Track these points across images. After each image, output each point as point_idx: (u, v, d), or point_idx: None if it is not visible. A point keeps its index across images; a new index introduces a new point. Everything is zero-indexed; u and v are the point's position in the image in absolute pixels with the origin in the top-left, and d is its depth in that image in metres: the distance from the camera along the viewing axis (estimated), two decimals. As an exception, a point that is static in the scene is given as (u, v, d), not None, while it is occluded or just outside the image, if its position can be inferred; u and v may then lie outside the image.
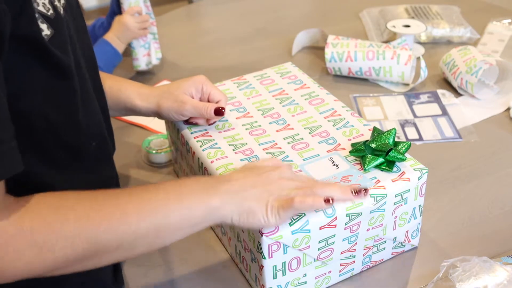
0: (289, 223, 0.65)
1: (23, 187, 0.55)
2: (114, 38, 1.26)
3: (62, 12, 0.60)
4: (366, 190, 0.64)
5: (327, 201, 0.62)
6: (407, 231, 0.77)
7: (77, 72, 0.62)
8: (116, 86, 0.84)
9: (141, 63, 1.31)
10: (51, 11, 0.57)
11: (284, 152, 0.77)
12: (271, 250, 0.66)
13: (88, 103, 0.66)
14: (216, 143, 0.80)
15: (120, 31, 1.26)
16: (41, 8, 0.55)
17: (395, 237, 0.76)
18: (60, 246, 0.53)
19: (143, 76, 1.34)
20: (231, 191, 0.62)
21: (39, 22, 0.54)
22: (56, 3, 0.59)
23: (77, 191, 0.58)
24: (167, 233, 0.60)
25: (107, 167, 0.74)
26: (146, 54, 1.31)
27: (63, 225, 0.54)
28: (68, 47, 0.60)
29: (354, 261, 0.75)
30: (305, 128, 0.82)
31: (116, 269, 0.78)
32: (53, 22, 0.57)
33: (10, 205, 0.53)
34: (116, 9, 1.35)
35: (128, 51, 1.33)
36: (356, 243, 0.72)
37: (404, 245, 0.79)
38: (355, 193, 0.63)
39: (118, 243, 0.56)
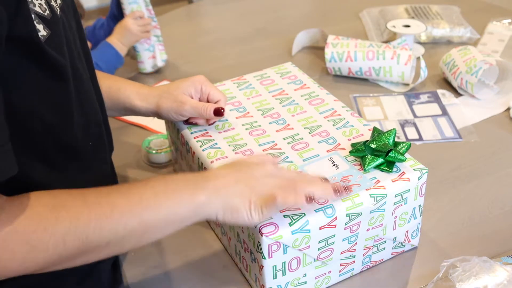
0: (289, 223, 0.65)
1: (19, 186, 0.55)
2: (117, 41, 1.28)
3: (58, 12, 0.59)
4: (347, 188, 0.65)
5: (308, 199, 0.63)
6: (407, 231, 0.77)
7: (74, 73, 0.62)
8: (115, 86, 0.84)
9: (147, 66, 1.34)
10: (47, 12, 0.57)
11: (284, 153, 0.77)
12: (271, 250, 0.66)
13: (85, 103, 0.66)
14: (216, 143, 0.80)
15: (123, 35, 1.28)
16: (37, 8, 0.55)
17: (395, 237, 0.76)
18: (52, 244, 0.53)
19: (143, 76, 1.34)
20: (216, 188, 0.63)
21: (35, 22, 0.54)
22: (53, 3, 0.59)
23: (68, 189, 0.58)
24: (155, 229, 0.60)
25: (104, 166, 0.74)
26: (151, 57, 1.33)
27: (56, 223, 0.54)
28: (64, 47, 0.60)
29: (354, 261, 0.75)
30: (305, 128, 0.82)
31: (114, 268, 0.78)
32: (49, 23, 0.56)
33: (3, 205, 0.53)
34: (116, 12, 1.36)
35: (129, 53, 1.34)
36: (356, 243, 0.72)
37: (404, 245, 0.79)
38: (336, 191, 0.64)
39: (107, 239, 0.57)
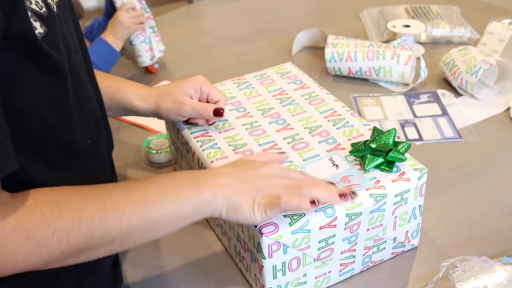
0: (289, 223, 0.65)
1: (19, 185, 0.55)
2: (111, 36, 1.26)
3: (55, 9, 0.59)
4: (353, 193, 0.65)
5: (312, 202, 0.62)
6: (407, 231, 0.77)
7: (71, 70, 0.62)
8: (115, 86, 0.84)
9: (145, 59, 1.31)
10: (44, 9, 0.56)
11: (284, 153, 0.77)
12: (271, 250, 0.66)
13: (83, 101, 0.66)
14: (216, 143, 0.80)
15: (116, 29, 1.26)
16: (33, 6, 0.55)
17: (395, 237, 0.76)
18: (56, 240, 0.54)
19: (143, 76, 1.34)
20: (221, 185, 0.63)
21: (32, 20, 0.54)
22: (49, 0, 0.59)
23: (71, 186, 0.58)
24: (158, 226, 0.60)
25: (104, 164, 0.74)
26: (149, 49, 1.30)
27: (59, 219, 0.54)
28: (61, 44, 0.59)
29: (354, 261, 0.75)
30: (305, 128, 0.82)
31: (115, 267, 0.78)
32: (46, 20, 0.56)
33: (6, 201, 0.53)
34: (110, 8, 1.35)
35: (126, 53, 1.33)
36: (356, 243, 0.72)
37: (404, 245, 0.79)
38: (342, 196, 0.64)
39: (111, 236, 0.57)
